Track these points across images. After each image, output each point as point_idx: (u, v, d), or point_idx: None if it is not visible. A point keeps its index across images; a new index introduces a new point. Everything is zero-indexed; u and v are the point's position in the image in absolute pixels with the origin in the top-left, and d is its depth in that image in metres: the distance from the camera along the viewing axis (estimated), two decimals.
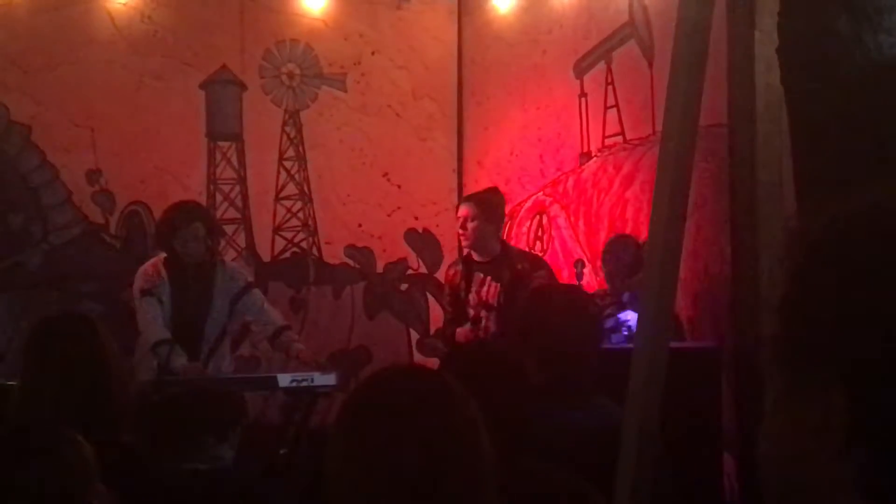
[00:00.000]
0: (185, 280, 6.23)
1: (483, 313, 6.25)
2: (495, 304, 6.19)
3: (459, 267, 6.40)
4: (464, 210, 6.29)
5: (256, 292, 6.45)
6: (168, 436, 3.68)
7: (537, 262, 6.49)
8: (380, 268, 7.96)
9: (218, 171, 7.71)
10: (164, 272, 6.22)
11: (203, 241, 6.23)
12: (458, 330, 6.28)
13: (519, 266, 6.21)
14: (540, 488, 2.64)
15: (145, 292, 6.18)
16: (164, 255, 6.29)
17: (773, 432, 1.10)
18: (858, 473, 1.03)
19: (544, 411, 2.75)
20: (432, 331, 7.74)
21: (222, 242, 7.00)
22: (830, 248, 1.11)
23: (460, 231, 6.29)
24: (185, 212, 6.29)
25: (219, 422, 3.82)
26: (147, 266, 6.35)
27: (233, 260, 7.21)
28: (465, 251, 6.34)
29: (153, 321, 6.11)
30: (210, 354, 6.27)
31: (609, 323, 5.61)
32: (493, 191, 6.61)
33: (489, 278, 6.25)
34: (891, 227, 1.09)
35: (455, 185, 8.01)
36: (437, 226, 7.95)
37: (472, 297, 6.29)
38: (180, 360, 5.95)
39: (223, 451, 3.77)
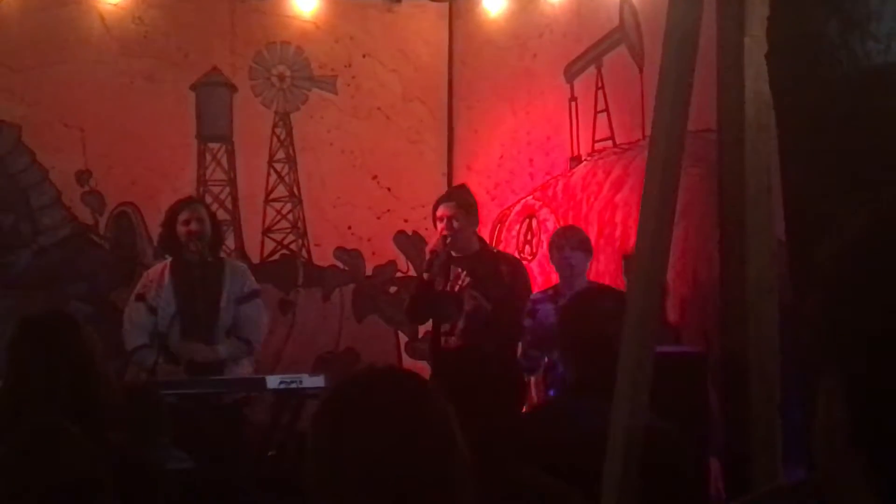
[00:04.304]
0: (191, 280, 6.19)
1: None
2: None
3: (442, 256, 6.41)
4: (448, 210, 6.30)
5: (259, 303, 6.43)
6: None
7: (517, 265, 6.57)
8: (369, 270, 7.95)
9: (208, 172, 7.71)
10: (167, 276, 6.23)
11: (206, 225, 6.21)
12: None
13: (502, 268, 6.27)
14: (525, 492, 2.64)
15: (138, 297, 6.25)
16: (170, 259, 6.29)
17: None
18: (862, 472, 1.04)
19: (580, 408, 2.71)
20: (421, 333, 7.73)
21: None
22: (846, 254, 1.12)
23: (445, 231, 6.29)
24: (186, 198, 6.49)
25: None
26: (151, 270, 6.43)
27: None
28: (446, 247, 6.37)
29: (132, 328, 6.18)
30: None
31: None
32: (467, 190, 6.70)
33: (464, 273, 6.28)
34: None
35: (444, 188, 8.00)
36: (427, 229, 7.92)
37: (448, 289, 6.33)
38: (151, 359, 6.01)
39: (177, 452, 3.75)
